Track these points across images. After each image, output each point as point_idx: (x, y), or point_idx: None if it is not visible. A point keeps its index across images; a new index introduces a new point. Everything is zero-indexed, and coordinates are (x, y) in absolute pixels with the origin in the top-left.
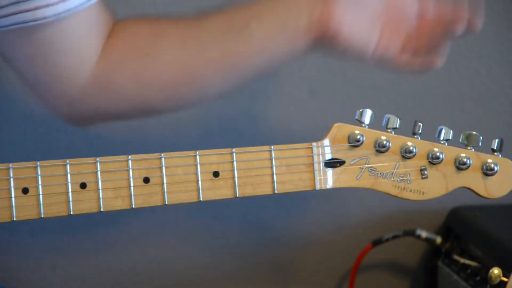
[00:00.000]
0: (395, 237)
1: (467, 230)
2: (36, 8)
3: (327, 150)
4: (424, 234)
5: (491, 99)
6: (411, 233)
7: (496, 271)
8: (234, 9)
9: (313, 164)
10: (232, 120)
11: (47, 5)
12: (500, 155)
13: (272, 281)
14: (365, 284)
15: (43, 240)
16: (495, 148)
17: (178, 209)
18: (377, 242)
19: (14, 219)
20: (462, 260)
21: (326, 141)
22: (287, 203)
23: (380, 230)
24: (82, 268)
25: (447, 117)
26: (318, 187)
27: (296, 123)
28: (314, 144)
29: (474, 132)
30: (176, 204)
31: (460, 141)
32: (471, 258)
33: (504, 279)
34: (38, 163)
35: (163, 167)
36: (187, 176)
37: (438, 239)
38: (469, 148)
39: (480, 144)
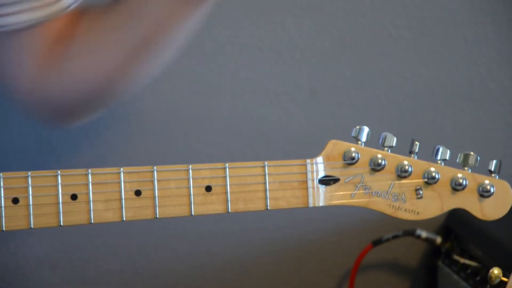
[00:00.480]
0: (395, 237)
1: (467, 230)
2: (8, 14)
3: (321, 167)
4: (424, 234)
5: (491, 99)
6: (411, 233)
7: (496, 271)
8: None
9: (306, 181)
10: (232, 120)
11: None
12: (497, 177)
13: (272, 281)
14: (365, 284)
15: (43, 240)
16: (492, 169)
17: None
18: (377, 242)
19: (3, 229)
20: (462, 260)
21: (320, 158)
22: None
23: (380, 230)
24: (82, 268)
25: (447, 117)
26: (311, 204)
27: (296, 123)
28: (308, 161)
29: (472, 153)
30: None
31: (457, 161)
32: (471, 258)
33: (504, 279)
34: (29, 173)
35: (155, 180)
36: (179, 190)
37: (438, 239)
38: (466, 168)
39: (477, 165)
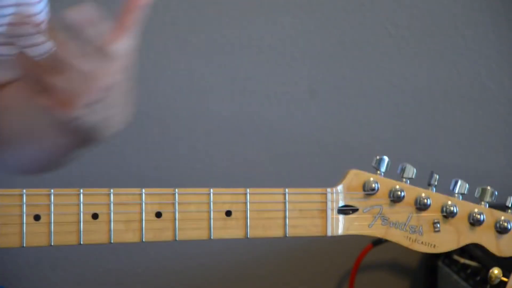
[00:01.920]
0: None
1: None
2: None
3: (341, 196)
4: None
5: (491, 99)
6: None
7: (496, 271)
8: None
9: (326, 210)
10: (232, 120)
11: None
12: None
13: (273, 281)
14: (365, 284)
15: None
16: (509, 205)
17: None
18: (377, 242)
19: (24, 245)
20: (462, 260)
21: (340, 187)
22: None
23: None
24: (82, 268)
25: (447, 117)
26: (329, 233)
27: (296, 123)
28: (328, 190)
29: (489, 187)
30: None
31: (475, 195)
32: (471, 258)
33: (504, 279)
34: (52, 190)
35: (176, 203)
36: (200, 214)
37: None
38: (483, 204)
39: (494, 200)
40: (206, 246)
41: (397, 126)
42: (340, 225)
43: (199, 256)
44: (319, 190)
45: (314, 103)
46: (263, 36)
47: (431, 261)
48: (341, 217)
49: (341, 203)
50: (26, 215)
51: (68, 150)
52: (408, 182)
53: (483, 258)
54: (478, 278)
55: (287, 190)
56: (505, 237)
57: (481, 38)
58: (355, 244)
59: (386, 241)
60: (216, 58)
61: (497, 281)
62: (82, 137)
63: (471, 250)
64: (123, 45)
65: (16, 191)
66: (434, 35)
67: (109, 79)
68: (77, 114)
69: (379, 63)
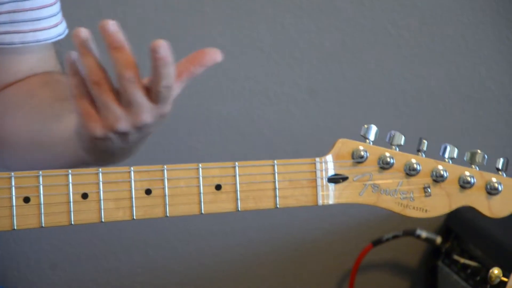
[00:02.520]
0: (395, 237)
1: (467, 230)
2: (6, 33)
3: (331, 165)
4: (424, 234)
5: (491, 99)
6: (411, 233)
7: (496, 271)
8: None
9: (316, 180)
10: (232, 120)
11: (17, 32)
12: (504, 175)
13: (273, 281)
14: (365, 284)
15: (43, 240)
16: (500, 167)
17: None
18: (377, 242)
19: (15, 228)
20: (462, 260)
21: (329, 157)
22: None
23: (380, 230)
24: (82, 268)
25: (447, 117)
26: (320, 202)
27: (296, 123)
28: (317, 159)
29: (479, 151)
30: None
31: (465, 159)
32: (471, 258)
33: (504, 279)
34: (40, 172)
35: (165, 179)
36: (189, 189)
37: (438, 239)
38: (473, 166)
39: (484, 163)
40: (206, 246)
41: (397, 126)
42: (330, 194)
43: (199, 256)
44: (308, 160)
45: (314, 103)
46: (263, 36)
47: (431, 261)
48: (331, 186)
49: (330, 172)
50: (16, 198)
51: (84, 163)
52: (397, 149)
53: (483, 258)
54: (478, 278)
55: (275, 161)
56: (496, 198)
57: (481, 38)
58: (355, 244)
59: (386, 241)
60: None
61: (497, 281)
62: (106, 157)
63: (471, 250)
64: (178, 90)
65: (4, 174)
66: (434, 35)
67: (158, 116)
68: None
69: (379, 63)
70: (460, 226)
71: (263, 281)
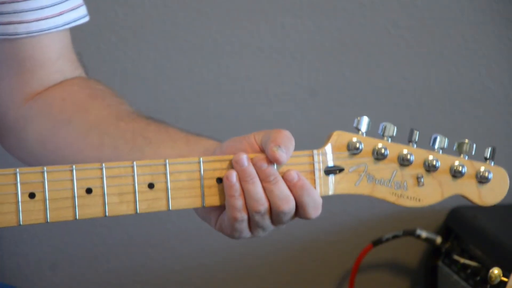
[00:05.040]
0: (395, 237)
1: (467, 230)
2: (9, 23)
3: (329, 157)
4: (424, 234)
5: (491, 99)
6: (411, 233)
7: (496, 271)
8: (152, 124)
9: (314, 171)
10: (232, 120)
11: (21, 22)
12: (493, 163)
13: (273, 281)
14: (365, 284)
15: (43, 240)
16: (487, 156)
17: (178, 209)
18: (377, 242)
19: (21, 223)
20: (462, 260)
21: (328, 148)
22: None
23: (380, 230)
24: (82, 268)
25: (447, 117)
26: (319, 194)
27: (296, 123)
28: (315, 151)
29: (467, 141)
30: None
31: (454, 149)
32: (471, 258)
33: (504, 279)
34: (45, 168)
35: (168, 173)
36: (191, 183)
37: (438, 239)
38: (462, 156)
39: (472, 152)
40: (206, 246)
41: (397, 126)
42: (329, 186)
43: (199, 256)
44: (306, 152)
45: (314, 103)
46: (263, 36)
47: (431, 261)
48: (329, 177)
49: (328, 164)
50: (21, 194)
51: None
52: (390, 140)
53: (483, 258)
54: (478, 278)
55: None
56: (486, 186)
57: (481, 38)
58: (355, 244)
59: (386, 241)
60: (216, 58)
61: (497, 281)
62: None
63: (471, 250)
64: None
65: (9, 170)
66: (434, 35)
67: None
68: None
69: (379, 63)
70: (460, 226)
71: (263, 281)
